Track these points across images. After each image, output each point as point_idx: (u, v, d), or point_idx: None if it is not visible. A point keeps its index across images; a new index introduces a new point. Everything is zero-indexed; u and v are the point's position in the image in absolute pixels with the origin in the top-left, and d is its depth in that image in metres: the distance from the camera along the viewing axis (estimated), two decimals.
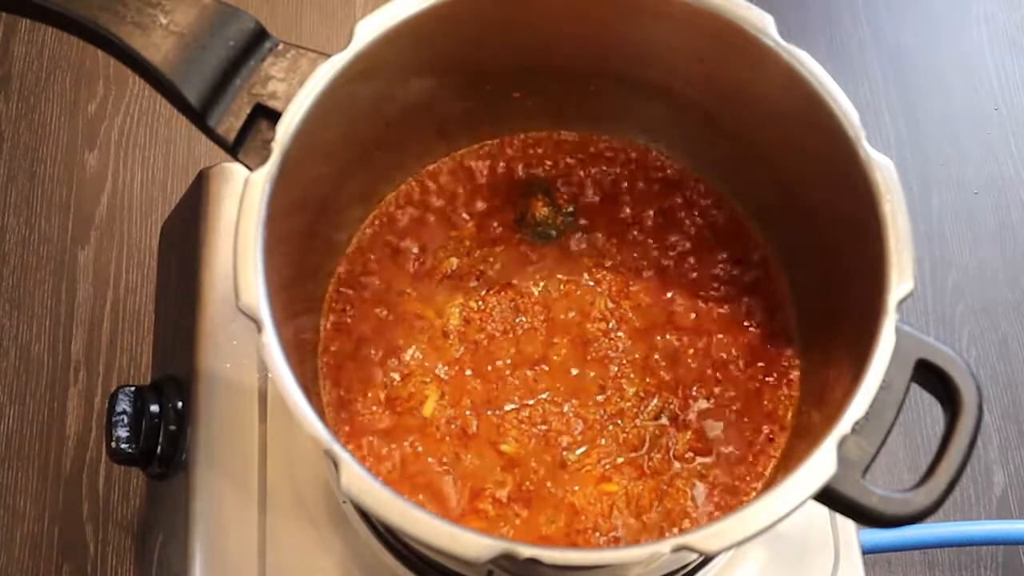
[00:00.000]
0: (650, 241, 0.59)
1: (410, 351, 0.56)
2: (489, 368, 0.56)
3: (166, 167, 0.97)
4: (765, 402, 0.55)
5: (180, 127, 0.98)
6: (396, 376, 0.55)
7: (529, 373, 0.55)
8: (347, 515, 0.61)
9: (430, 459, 0.53)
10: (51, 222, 0.95)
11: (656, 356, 0.56)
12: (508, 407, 0.55)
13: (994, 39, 1.07)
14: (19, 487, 0.87)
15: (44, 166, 0.97)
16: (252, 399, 0.63)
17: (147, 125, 0.98)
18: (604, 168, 0.60)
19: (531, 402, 0.55)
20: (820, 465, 0.42)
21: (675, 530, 0.52)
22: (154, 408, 0.64)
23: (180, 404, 0.64)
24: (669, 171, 0.60)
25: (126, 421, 0.63)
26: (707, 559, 0.59)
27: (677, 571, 0.57)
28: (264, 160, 0.46)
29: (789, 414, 0.54)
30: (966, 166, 1.01)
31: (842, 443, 0.42)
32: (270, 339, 0.43)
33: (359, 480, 0.41)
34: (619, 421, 0.55)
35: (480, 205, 0.59)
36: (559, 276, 0.58)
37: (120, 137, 0.98)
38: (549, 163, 0.60)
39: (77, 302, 0.92)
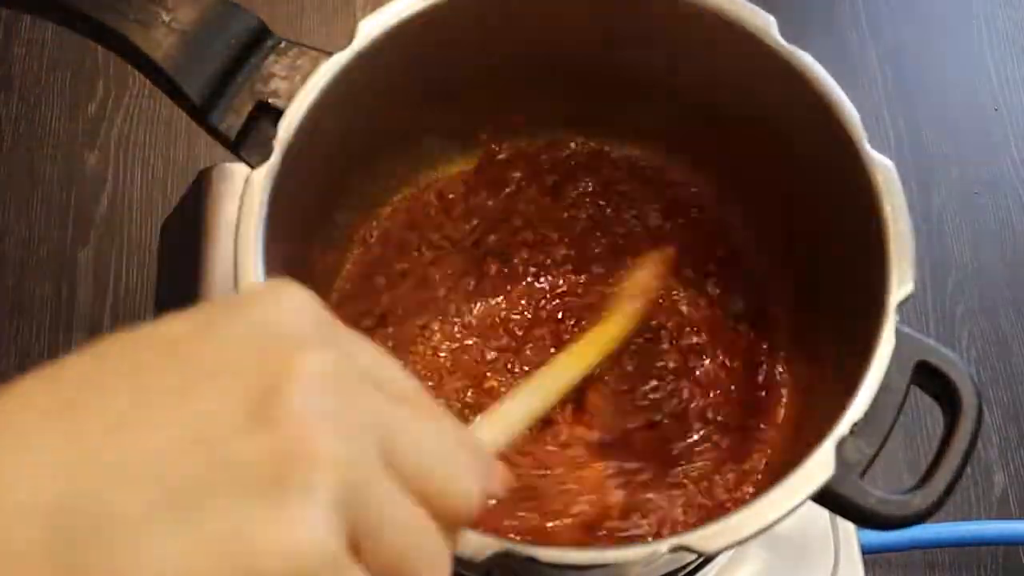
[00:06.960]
0: (648, 241, 0.59)
1: (412, 352, 0.56)
2: (491, 369, 0.56)
3: (166, 167, 0.97)
4: (763, 403, 0.55)
5: (180, 128, 0.98)
6: None
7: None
8: None
9: None
10: (51, 222, 0.94)
11: (652, 358, 0.56)
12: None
13: (994, 39, 1.07)
14: None
15: (44, 166, 0.96)
16: None
17: (147, 125, 0.98)
18: (602, 169, 0.60)
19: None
20: (818, 466, 0.42)
21: (673, 530, 0.52)
22: None
23: None
24: (666, 171, 0.60)
25: None
26: (707, 559, 0.59)
27: (677, 571, 0.57)
28: (265, 158, 0.46)
29: (788, 415, 0.54)
30: (966, 166, 1.01)
31: (841, 445, 0.42)
32: None
33: None
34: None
35: (482, 206, 0.59)
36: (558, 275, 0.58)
37: (120, 137, 0.98)
38: (550, 164, 0.60)
39: (77, 302, 0.92)
